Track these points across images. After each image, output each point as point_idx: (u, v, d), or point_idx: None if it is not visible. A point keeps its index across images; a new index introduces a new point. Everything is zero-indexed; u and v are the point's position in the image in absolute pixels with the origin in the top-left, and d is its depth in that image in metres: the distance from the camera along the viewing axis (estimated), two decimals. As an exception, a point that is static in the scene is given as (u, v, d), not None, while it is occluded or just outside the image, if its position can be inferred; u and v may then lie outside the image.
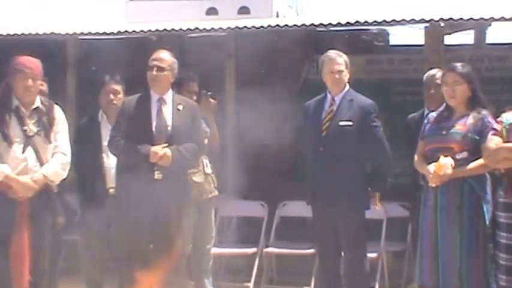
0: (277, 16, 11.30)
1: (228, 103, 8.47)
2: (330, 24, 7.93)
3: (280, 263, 7.69)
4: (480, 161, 5.17)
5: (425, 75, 6.42)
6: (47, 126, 5.47)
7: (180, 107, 5.87)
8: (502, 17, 7.51)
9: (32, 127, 5.42)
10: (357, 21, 7.85)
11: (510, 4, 7.98)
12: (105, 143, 6.11)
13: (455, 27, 8.15)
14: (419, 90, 6.57)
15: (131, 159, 5.71)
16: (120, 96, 6.30)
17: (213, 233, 6.86)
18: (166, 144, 5.69)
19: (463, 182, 5.23)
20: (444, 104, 5.48)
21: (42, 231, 5.40)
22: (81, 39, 8.63)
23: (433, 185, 5.24)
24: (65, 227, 6.09)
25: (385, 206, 7.39)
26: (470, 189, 5.23)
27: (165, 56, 5.87)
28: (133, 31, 8.36)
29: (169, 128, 5.79)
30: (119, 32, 8.49)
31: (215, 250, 7.00)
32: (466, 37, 8.85)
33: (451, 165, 5.18)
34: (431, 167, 5.25)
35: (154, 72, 5.80)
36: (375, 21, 7.80)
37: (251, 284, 7.40)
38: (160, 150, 5.64)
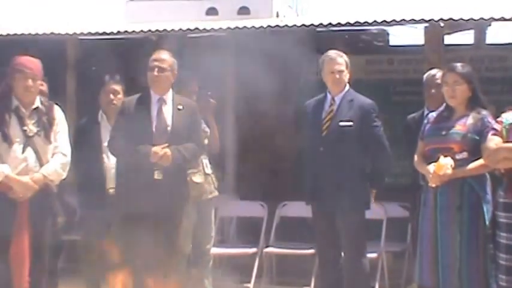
0: (277, 16, 11.28)
1: (228, 103, 8.46)
2: (330, 24, 7.93)
3: (280, 263, 7.68)
4: (480, 161, 5.17)
5: (425, 75, 6.42)
6: (46, 127, 5.48)
7: (180, 107, 5.87)
8: (502, 17, 7.51)
9: (31, 127, 5.43)
10: (357, 22, 7.85)
11: (510, 4, 7.98)
12: (105, 143, 6.11)
13: (455, 27, 8.15)
14: (419, 90, 6.57)
15: (131, 160, 5.71)
16: (120, 96, 6.30)
17: (212, 233, 6.87)
18: (166, 145, 5.69)
19: (463, 182, 5.23)
20: (444, 104, 5.48)
21: (42, 231, 5.40)
22: (81, 39, 8.63)
23: (433, 185, 5.24)
24: (65, 227, 6.08)
25: (385, 206, 7.42)
26: (470, 189, 5.23)
27: (165, 57, 5.87)
28: (133, 31, 8.36)
29: (169, 128, 5.79)
30: (119, 32, 8.49)
31: (215, 250, 7.00)
32: (466, 37, 8.86)
33: (451, 165, 5.18)
34: (431, 167, 5.25)
35: (156, 73, 5.80)
36: (375, 21, 7.80)
37: (251, 284, 7.40)
38: (160, 150, 5.64)
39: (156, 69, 5.80)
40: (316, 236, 6.23)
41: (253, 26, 7.98)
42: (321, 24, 7.95)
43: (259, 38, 7.75)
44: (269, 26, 8.00)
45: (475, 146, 5.21)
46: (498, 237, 5.04)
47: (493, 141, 4.97)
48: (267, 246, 7.59)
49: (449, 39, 8.30)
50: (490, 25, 8.49)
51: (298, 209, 7.05)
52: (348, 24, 7.90)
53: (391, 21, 7.78)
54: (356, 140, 5.95)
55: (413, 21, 7.75)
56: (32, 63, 5.49)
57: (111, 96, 6.31)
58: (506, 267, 4.96)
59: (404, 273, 7.34)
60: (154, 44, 8.08)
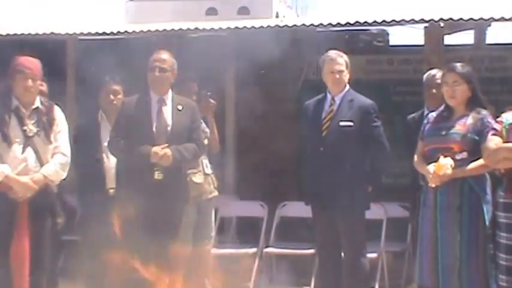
0: (277, 16, 11.27)
1: (228, 103, 8.47)
2: (329, 24, 7.93)
3: (280, 263, 7.68)
4: (480, 161, 5.17)
5: (426, 75, 6.42)
6: (46, 127, 5.48)
7: (180, 107, 5.87)
8: (502, 17, 7.51)
9: (31, 127, 5.43)
10: (357, 22, 7.85)
11: (510, 4, 7.98)
12: (105, 144, 6.11)
13: (455, 28, 8.16)
14: (419, 90, 6.57)
15: (131, 160, 5.71)
16: (120, 96, 6.30)
17: (212, 233, 6.87)
18: (166, 145, 5.69)
19: (463, 182, 5.23)
20: (444, 104, 5.48)
21: (42, 232, 5.40)
22: (81, 39, 8.63)
23: (433, 185, 5.24)
24: (65, 227, 6.08)
25: (385, 206, 7.42)
26: (470, 189, 5.23)
27: (166, 57, 5.87)
28: (133, 31, 8.36)
29: (169, 129, 5.79)
30: (119, 32, 8.49)
31: (215, 250, 7.00)
32: (466, 37, 8.86)
33: (451, 165, 5.18)
34: (431, 167, 5.25)
35: (157, 73, 5.80)
36: (375, 22, 7.80)
37: (251, 284, 7.40)
38: (160, 150, 5.64)
39: (157, 69, 5.80)
40: (316, 236, 6.24)
41: (253, 26, 7.98)
42: (321, 24, 7.95)
43: (259, 38, 7.75)
44: (269, 26, 8.00)
45: (474, 146, 5.21)
46: (498, 237, 5.04)
47: (493, 141, 4.97)
48: (267, 246, 7.59)
49: (449, 40, 8.31)
50: (490, 25, 8.49)
51: (298, 209, 7.05)
52: (348, 24, 7.90)
53: (391, 22, 7.78)
54: (356, 140, 5.95)
55: (413, 21, 7.76)
56: (31, 63, 5.50)
57: (111, 96, 6.31)
58: (506, 267, 4.96)
59: (404, 273, 7.34)
60: (154, 44, 8.07)
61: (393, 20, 7.76)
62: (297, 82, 9.02)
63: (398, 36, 9.55)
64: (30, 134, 5.41)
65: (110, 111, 6.27)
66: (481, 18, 7.53)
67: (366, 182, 6.01)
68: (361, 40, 9.22)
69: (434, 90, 6.06)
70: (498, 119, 5.10)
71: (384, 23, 7.82)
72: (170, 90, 5.93)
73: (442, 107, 5.50)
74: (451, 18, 7.57)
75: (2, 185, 5.27)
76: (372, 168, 6.05)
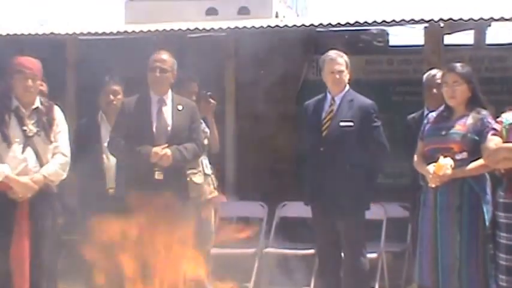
0: (277, 16, 11.28)
1: (228, 103, 8.47)
2: (329, 24, 7.93)
3: (280, 263, 7.68)
4: (480, 161, 5.17)
5: (425, 75, 6.42)
6: (46, 127, 5.48)
7: (180, 107, 5.88)
8: (502, 17, 7.51)
9: (31, 127, 5.43)
10: (357, 22, 7.85)
11: (510, 4, 7.99)
12: (104, 144, 6.11)
13: (455, 28, 8.16)
14: (419, 90, 6.57)
15: (132, 160, 5.71)
16: (120, 96, 6.30)
17: (212, 233, 6.86)
18: (166, 145, 5.69)
19: (463, 182, 5.23)
20: (444, 104, 5.48)
21: (42, 232, 5.40)
22: (81, 39, 8.63)
23: (433, 186, 5.24)
24: (64, 227, 6.08)
25: (385, 206, 7.42)
26: (470, 189, 5.23)
27: (166, 57, 5.87)
28: (133, 31, 8.36)
29: (169, 129, 5.80)
30: (119, 32, 8.49)
31: (215, 251, 7.00)
32: (466, 37, 8.86)
33: (451, 165, 5.18)
34: (431, 168, 5.25)
35: (158, 74, 5.80)
36: (375, 22, 7.81)
37: (251, 284, 7.40)
38: (160, 150, 5.64)
39: (158, 69, 5.80)
40: (316, 236, 6.24)
41: (253, 26, 7.98)
42: (321, 24, 7.95)
43: (259, 38, 7.75)
44: (269, 26, 8.00)
45: (474, 146, 5.22)
46: (498, 237, 5.04)
47: (493, 141, 4.98)
48: (266, 247, 7.59)
49: (449, 40, 8.31)
50: (489, 25, 8.48)
51: (298, 209, 7.05)
52: (348, 24, 7.91)
53: (390, 22, 7.79)
54: (356, 140, 5.95)
55: (413, 21, 7.76)
56: (31, 63, 5.50)
57: (111, 96, 6.31)
58: (506, 267, 4.96)
59: (404, 273, 7.33)
60: (154, 44, 8.08)
61: (393, 20, 7.76)
62: (297, 82, 9.02)
63: (398, 37, 9.55)
64: (30, 134, 5.41)
65: (109, 111, 6.27)
66: (481, 18, 7.53)
67: (365, 181, 6.02)
68: (361, 40, 9.22)
69: (434, 90, 6.06)
70: (498, 119, 5.10)
71: (384, 23, 7.83)
72: (170, 90, 5.93)
73: (442, 107, 5.50)
74: (451, 19, 7.57)
75: (2, 185, 5.27)
76: (371, 168, 6.05)
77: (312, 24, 7.97)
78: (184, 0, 11.06)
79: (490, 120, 5.24)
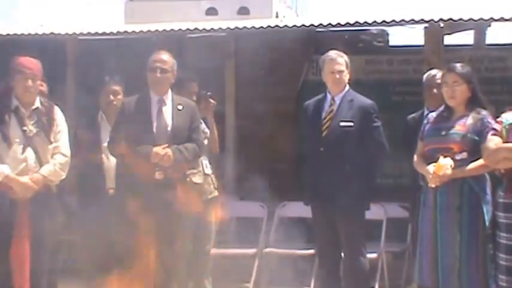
0: (277, 16, 11.28)
1: (228, 103, 8.47)
2: (329, 24, 7.94)
3: (280, 263, 7.68)
4: (480, 162, 5.17)
5: (425, 75, 6.42)
6: (46, 127, 5.48)
7: (180, 107, 5.87)
8: (502, 18, 7.52)
9: (31, 127, 5.43)
10: (357, 22, 7.86)
11: (510, 4, 7.99)
12: (104, 144, 6.11)
13: (455, 28, 8.16)
14: (419, 90, 6.57)
15: (132, 160, 5.71)
16: (120, 96, 6.30)
17: (212, 233, 6.86)
18: (167, 145, 5.69)
19: (463, 182, 5.23)
20: (444, 105, 5.48)
21: (42, 232, 5.40)
22: (81, 39, 8.64)
23: (433, 186, 5.24)
24: (64, 227, 6.08)
25: (385, 206, 7.42)
26: (470, 189, 5.23)
27: (166, 58, 5.86)
28: (133, 31, 8.36)
29: (169, 129, 5.79)
30: (119, 33, 8.49)
31: (215, 251, 7.00)
32: (466, 37, 8.87)
33: (451, 165, 5.18)
34: (431, 168, 5.25)
35: (158, 74, 5.79)
36: (375, 22, 7.81)
37: (251, 285, 7.40)
38: (161, 150, 5.64)
39: (159, 70, 5.79)
40: (316, 236, 6.24)
41: (253, 27, 7.99)
42: (321, 24, 7.96)
43: (259, 38, 7.76)
44: (269, 26, 8.00)
45: (474, 146, 5.21)
46: (498, 237, 5.04)
47: (493, 142, 4.98)
48: (266, 247, 7.59)
49: (449, 40, 8.32)
50: (489, 25, 8.49)
51: (298, 209, 7.05)
52: (348, 24, 7.91)
53: (390, 22, 7.79)
54: (356, 140, 5.95)
55: (413, 21, 7.76)
56: (31, 63, 5.50)
57: (111, 96, 6.30)
58: (506, 267, 4.96)
59: (404, 274, 7.34)
60: (154, 45, 8.08)
61: (393, 20, 7.77)
62: (297, 82, 9.02)
63: (398, 37, 9.58)
64: (30, 134, 5.41)
65: (109, 111, 6.27)
66: (481, 19, 7.54)
67: (365, 181, 6.02)
68: (360, 40, 9.22)
69: (435, 90, 6.06)
70: (498, 119, 5.10)
71: (384, 23, 7.83)
72: (170, 90, 5.93)
73: (442, 107, 5.50)
74: (451, 19, 7.57)
75: (1, 185, 5.27)
76: (371, 168, 6.05)
77: (312, 24, 7.97)
78: (184, 0, 11.06)
79: (490, 120, 5.24)
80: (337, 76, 6.02)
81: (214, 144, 6.86)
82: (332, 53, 6.10)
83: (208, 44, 8.46)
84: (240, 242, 7.85)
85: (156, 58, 5.84)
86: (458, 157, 5.23)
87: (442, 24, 7.71)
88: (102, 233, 6.09)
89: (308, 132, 6.18)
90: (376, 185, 6.18)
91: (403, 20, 7.75)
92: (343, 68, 6.04)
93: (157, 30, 8.22)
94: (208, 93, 6.81)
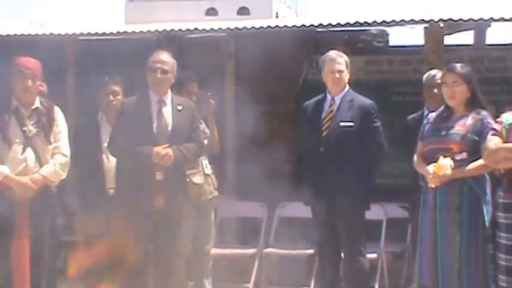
0: (277, 17, 11.30)
1: (227, 104, 8.47)
2: (329, 24, 7.93)
3: (280, 263, 7.68)
4: (480, 162, 5.17)
5: (425, 75, 6.42)
6: (46, 127, 5.48)
7: (180, 108, 5.87)
8: (502, 18, 7.52)
9: (31, 128, 5.43)
10: (357, 22, 7.85)
11: (510, 4, 7.99)
12: (104, 144, 6.11)
13: (455, 28, 8.16)
14: (419, 90, 6.57)
15: (132, 160, 5.71)
16: (120, 97, 6.30)
17: (212, 233, 6.87)
18: (167, 145, 5.69)
19: (463, 182, 5.23)
20: (443, 105, 5.48)
21: (42, 232, 5.40)
22: (80, 39, 8.63)
23: (433, 186, 5.24)
24: (64, 227, 6.08)
25: (385, 206, 7.42)
26: (470, 189, 5.23)
27: (166, 58, 5.86)
28: (133, 32, 8.36)
29: (169, 129, 5.79)
30: (119, 33, 8.49)
31: (215, 251, 7.01)
32: (466, 38, 8.86)
33: (451, 165, 5.18)
34: (431, 168, 5.25)
35: (159, 75, 5.79)
36: (375, 22, 7.81)
37: (250, 285, 7.40)
38: (162, 150, 5.64)
39: (159, 71, 5.79)
40: (316, 236, 6.24)
41: (252, 27, 7.98)
42: (321, 24, 7.96)
43: (259, 38, 7.75)
44: (269, 26, 8.00)
45: (474, 147, 5.21)
46: (498, 237, 5.04)
47: (493, 142, 4.98)
48: (266, 247, 7.59)
49: (448, 40, 8.31)
50: (489, 26, 8.49)
51: (297, 210, 7.05)
52: (348, 24, 7.91)
53: (390, 22, 7.79)
54: (356, 140, 5.95)
55: (413, 21, 7.76)
56: (31, 63, 5.50)
57: (111, 97, 6.30)
58: (506, 267, 4.96)
59: (404, 274, 7.34)
60: (154, 45, 8.08)
61: (393, 21, 7.76)
62: (297, 82, 9.02)
63: (398, 37, 9.55)
64: (30, 135, 5.41)
65: (109, 111, 6.26)
66: (481, 19, 7.53)
67: (365, 182, 6.02)
68: (360, 40, 9.22)
69: (435, 90, 6.06)
70: (498, 119, 5.10)
71: (384, 23, 7.83)
72: (169, 91, 5.93)
73: (441, 108, 5.50)
74: (450, 19, 7.57)
75: (1, 185, 5.27)
76: (370, 168, 6.05)
77: (312, 25, 7.97)
78: (184, 0, 11.07)
79: (490, 120, 5.24)
80: (337, 76, 6.02)
81: (215, 144, 6.86)
82: (332, 53, 6.10)
83: (208, 44, 8.46)
84: (240, 242, 7.85)
85: (156, 58, 5.84)
86: (458, 157, 5.23)
87: (442, 24, 7.70)
88: (102, 233, 6.11)
89: (308, 132, 6.18)
90: (376, 185, 6.18)
91: (403, 20, 7.75)
92: (343, 67, 6.04)
93: (157, 31, 8.21)
94: (208, 93, 6.81)
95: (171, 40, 8.09)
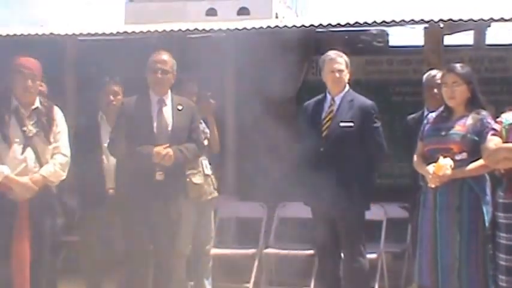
0: (277, 17, 11.31)
1: (227, 104, 8.47)
2: (329, 25, 7.93)
3: (279, 263, 7.68)
4: (480, 162, 5.17)
5: (425, 75, 6.42)
6: (46, 127, 5.48)
7: (180, 108, 5.88)
8: (502, 18, 7.51)
9: (31, 128, 5.43)
10: (357, 22, 7.85)
11: (510, 5, 7.99)
12: (104, 144, 6.11)
13: (455, 28, 8.16)
14: (419, 91, 6.57)
15: (133, 161, 5.71)
16: (120, 97, 6.31)
17: (212, 233, 6.87)
18: (167, 145, 5.69)
19: (463, 182, 5.23)
20: (443, 105, 5.48)
21: (42, 232, 5.40)
22: (80, 40, 8.63)
23: (433, 186, 5.24)
24: (64, 227, 6.08)
25: (385, 207, 7.42)
26: (470, 189, 5.23)
27: (167, 58, 5.86)
28: (133, 32, 8.36)
29: (169, 129, 5.79)
30: (119, 33, 8.49)
31: (215, 251, 7.01)
32: (466, 38, 8.87)
33: (451, 166, 5.18)
34: (431, 168, 5.25)
35: (159, 75, 5.79)
36: (375, 22, 7.80)
37: (250, 285, 7.39)
38: (163, 150, 5.64)
39: (159, 71, 5.79)
40: (316, 236, 6.23)
41: (253, 27, 7.98)
42: (321, 24, 7.95)
43: (259, 39, 7.75)
44: (269, 26, 8.00)
45: (474, 147, 5.21)
46: (498, 237, 5.04)
47: (493, 142, 4.98)
48: (266, 247, 7.59)
49: (448, 40, 8.31)
50: (489, 26, 8.49)
51: (297, 210, 7.05)
52: (348, 24, 7.90)
53: (390, 22, 7.78)
54: (356, 140, 5.94)
55: (413, 22, 7.76)
56: (31, 63, 5.50)
57: (111, 97, 6.31)
58: (506, 267, 4.96)
59: (403, 274, 7.34)
60: (153, 45, 8.07)
61: (393, 21, 7.76)
62: (297, 82, 9.02)
63: (398, 37, 9.57)
64: (30, 135, 5.41)
65: (109, 111, 6.27)
66: (481, 19, 7.53)
67: (365, 182, 6.02)
68: (360, 41, 9.22)
69: (435, 90, 6.06)
70: (498, 119, 5.10)
71: (384, 23, 7.82)
72: (169, 91, 5.93)
73: (441, 108, 5.50)
74: (450, 19, 7.57)
75: (1, 185, 5.27)
76: (370, 168, 6.05)
77: (312, 25, 7.97)
78: (184, 1, 11.08)
79: (490, 120, 5.24)
80: (337, 75, 6.02)
81: (215, 144, 6.86)
82: (332, 53, 6.11)
83: (208, 45, 8.45)
84: (239, 242, 7.85)
85: (157, 59, 5.84)
86: (458, 157, 5.23)
87: (442, 25, 7.70)
88: (102, 233, 6.11)
89: (308, 132, 6.17)
90: (376, 185, 6.18)
91: (403, 20, 7.75)
92: (343, 67, 6.04)
93: (157, 31, 8.21)
94: (208, 93, 6.81)
95: (170, 40, 8.09)
